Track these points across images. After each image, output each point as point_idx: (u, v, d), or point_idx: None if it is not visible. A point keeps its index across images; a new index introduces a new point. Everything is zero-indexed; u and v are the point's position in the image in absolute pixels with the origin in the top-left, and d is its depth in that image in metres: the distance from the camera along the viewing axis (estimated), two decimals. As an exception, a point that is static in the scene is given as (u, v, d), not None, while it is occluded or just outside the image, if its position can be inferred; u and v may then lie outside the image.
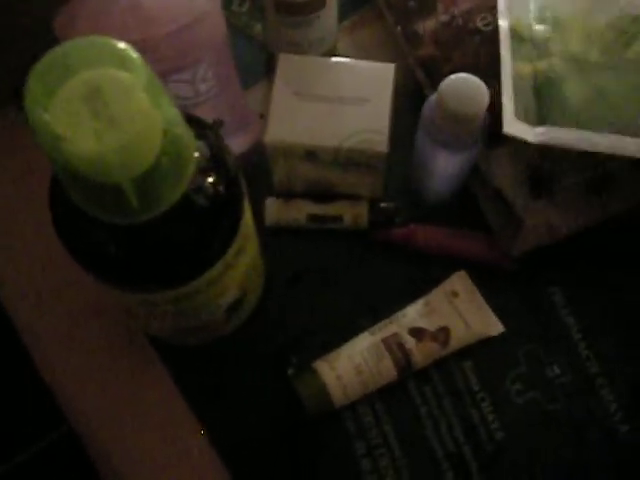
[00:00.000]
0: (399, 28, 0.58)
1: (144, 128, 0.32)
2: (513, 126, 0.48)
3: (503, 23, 0.53)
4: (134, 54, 0.32)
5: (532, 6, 0.56)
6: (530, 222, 0.51)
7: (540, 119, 0.50)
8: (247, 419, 0.51)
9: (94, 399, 0.53)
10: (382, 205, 0.55)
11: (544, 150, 0.51)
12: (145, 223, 0.36)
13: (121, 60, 0.32)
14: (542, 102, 0.50)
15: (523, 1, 0.56)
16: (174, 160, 0.35)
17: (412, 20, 0.57)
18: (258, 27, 0.63)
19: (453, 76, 0.46)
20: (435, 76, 0.55)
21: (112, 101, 0.31)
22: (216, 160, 0.40)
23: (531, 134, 0.48)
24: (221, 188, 0.39)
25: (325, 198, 0.55)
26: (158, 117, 0.33)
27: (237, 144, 0.55)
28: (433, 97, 0.48)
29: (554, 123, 0.50)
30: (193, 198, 0.38)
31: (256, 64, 0.62)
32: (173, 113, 0.35)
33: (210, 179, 0.39)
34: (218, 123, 0.53)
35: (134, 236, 0.37)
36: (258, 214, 0.55)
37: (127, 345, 0.54)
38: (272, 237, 0.56)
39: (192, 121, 0.40)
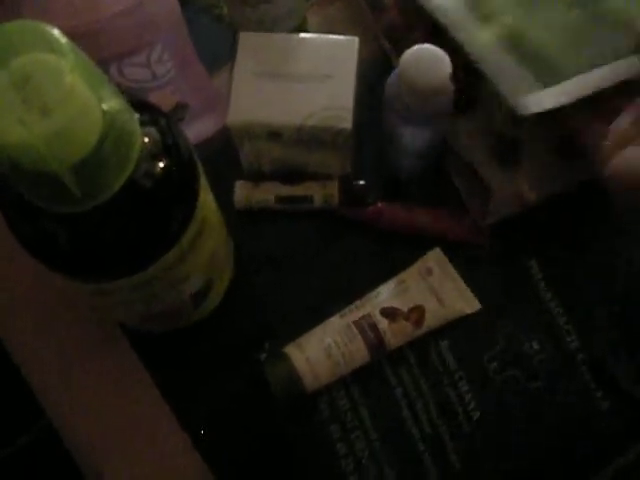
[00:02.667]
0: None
1: (77, 114, 0.31)
2: (525, 106, 0.46)
3: None
4: (63, 39, 0.31)
5: None
6: (499, 190, 0.49)
7: (538, 80, 0.48)
8: (222, 406, 0.51)
9: (67, 391, 0.52)
10: (353, 184, 0.54)
11: (515, 117, 0.49)
12: (91, 210, 0.35)
13: (51, 45, 0.31)
14: (528, 63, 0.48)
15: None
16: (117, 146, 0.34)
17: None
18: (226, 6, 0.61)
19: (414, 47, 0.44)
20: (401, 46, 0.53)
21: (43, 88, 0.30)
22: (167, 145, 0.39)
23: (545, 101, 0.46)
24: (173, 173, 0.38)
25: (295, 179, 0.54)
26: (94, 102, 0.32)
27: (205, 127, 0.54)
28: (396, 71, 0.46)
29: (551, 81, 0.48)
30: (142, 183, 0.37)
31: (225, 45, 0.60)
32: (113, 98, 0.34)
33: (160, 164, 0.38)
34: (182, 106, 0.52)
35: (80, 224, 0.36)
36: (228, 198, 0.54)
37: (99, 333, 0.53)
38: (242, 220, 0.55)
39: (143, 106, 0.39)
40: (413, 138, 0.48)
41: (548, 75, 0.48)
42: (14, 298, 0.55)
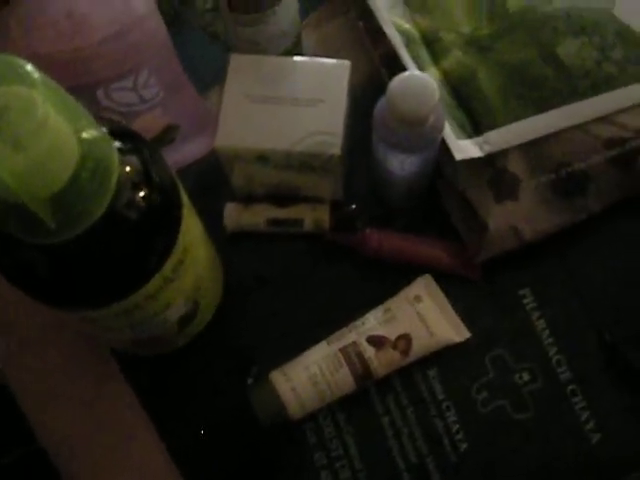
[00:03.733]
0: (361, 24, 0.56)
1: (51, 147, 0.30)
2: (462, 150, 0.47)
3: (387, 29, 0.52)
4: (35, 72, 0.30)
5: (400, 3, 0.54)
6: (494, 226, 0.49)
7: (475, 127, 0.49)
8: (208, 430, 0.50)
9: (55, 411, 0.52)
10: (344, 209, 0.53)
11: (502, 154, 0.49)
12: (69, 241, 0.35)
13: (22, 78, 0.30)
14: (466, 107, 0.50)
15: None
16: (94, 176, 0.34)
17: (374, 16, 0.55)
18: (222, 25, 0.61)
19: (402, 75, 0.44)
20: (397, 73, 0.53)
21: (15, 121, 0.30)
22: (148, 174, 0.38)
23: (477, 149, 0.47)
24: (155, 202, 0.38)
25: (286, 202, 0.53)
26: (70, 134, 0.32)
27: (196, 148, 0.54)
28: (383, 98, 0.46)
29: (490, 126, 0.49)
30: (123, 213, 0.36)
31: (219, 64, 0.60)
32: (90, 128, 0.33)
33: (141, 193, 0.37)
34: (172, 128, 0.52)
35: (59, 254, 0.36)
36: (218, 219, 0.54)
37: (88, 356, 0.53)
38: (232, 243, 0.54)
39: (125, 135, 0.39)
40: (402, 165, 0.47)
41: (485, 121, 0.48)
42: (1, 319, 0.54)
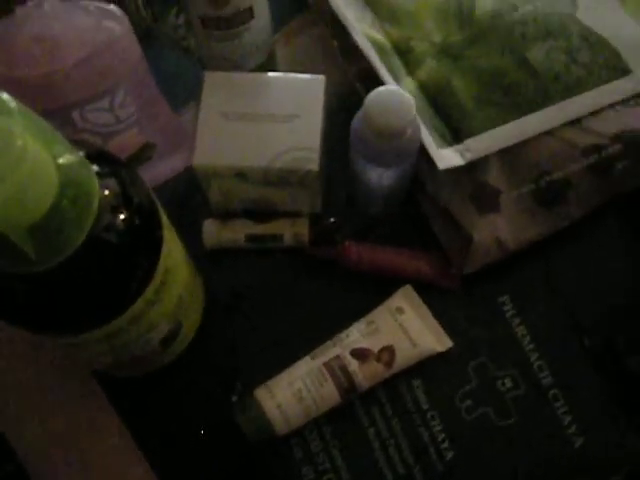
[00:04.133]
0: (336, 43, 0.56)
1: (30, 177, 0.30)
2: (444, 159, 0.48)
3: (361, 41, 0.53)
4: (12, 102, 0.30)
5: (368, 12, 0.54)
6: (478, 238, 0.49)
7: (455, 135, 0.49)
8: (193, 447, 0.50)
9: (34, 434, 0.51)
10: (323, 222, 0.53)
11: (481, 164, 0.49)
12: (51, 268, 0.34)
13: (1, 108, 0.30)
14: (445, 116, 0.50)
15: (359, 8, 0.55)
16: (74, 203, 0.33)
17: (347, 32, 0.55)
18: (195, 40, 0.61)
19: (378, 89, 0.44)
20: (374, 87, 0.53)
21: None
22: (128, 196, 0.38)
23: (458, 157, 0.48)
24: (135, 224, 0.38)
25: (265, 217, 0.53)
26: (49, 162, 0.31)
27: (172, 165, 0.54)
28: (360, 113, 0.46)
29: (469, 133, 0.49)
30: (103, 237, 0.36)
31: (194, 80, 0.60)
32: (68, 153, 0.33)
33: (121, 216, 0.37)
34: (148, 146, 0.51)
35: (39, 283, 0.35)
36: (196, 235, 0.54)
37: (68, 375, 0.52)
38: (212, 260, 0.54)
39: (101, 158, 0.39)
40: (379, 178, 0.47)
41: (464, 128, 0.49)
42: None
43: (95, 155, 0.38)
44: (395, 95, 0.44)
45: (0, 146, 0.29)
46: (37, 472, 0.51)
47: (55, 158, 0.32)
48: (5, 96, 0.30)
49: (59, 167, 0.32)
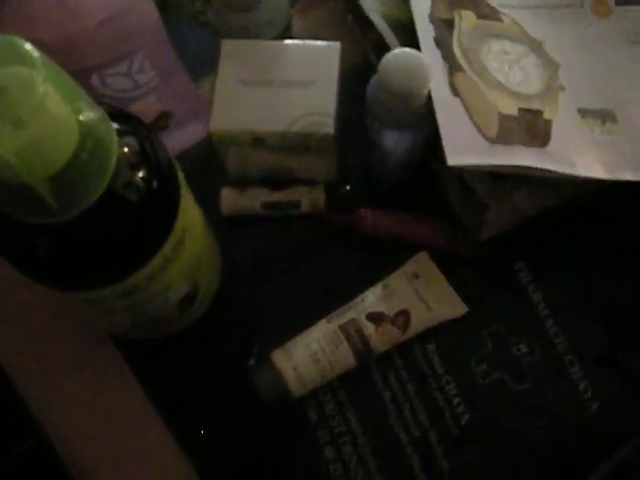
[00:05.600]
0: (350, 17, 0.57)
1: (51, 126, 0.31)
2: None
3: (375, 18, 0.53)
4: (35, 52, 0.31)
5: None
6: (494, 205, 0.49)
7: None
8: (211, 410, 0.51)
9: (57, 399, 0.52)
10: (339, 189, 0.54)
11: None
12: (69, 221, 0.35)
13: (22, 58, 0.31)
14: None
15: None
16: (94, 156, 0.34)
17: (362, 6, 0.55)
18: (211, 13, 0.61)
19: (393, 51, 0.44)
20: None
21: (15, 100, 0.30)
22: (146, 155, 0.39)
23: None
24: (153, 182, 0.39)
25: (281, 184, 0.54)
26: (69, 114, 0.32)
27: (190, 134, 0.54)
28: (375, 76, 0.46)
29: None
30: (121, 193, 0.37)
31: (210, 52, 0.60)
32: (90, 109, 0.34)
33: (140, 174, 0.38)
34: (166, 115, 0.52)
35: (59, 234, 0.36)
36: (215, 204, 0.54)
37: (87, 342, 0.53)
38: (229, 226, 0.55)
39: (122, 117, 0.39)
40: (395, 143, 0.48)
41: None
42: (2, 310, 0.55)
43: (116, 114, 0.38)
44: (412, 56, 0.44)
45: (21, 93, 0.30)
46: (58, 443, 0.52)
47: (76, 110, 0.33)
48: (28, 46, 0.31)
49: (79, 119, 0.33)
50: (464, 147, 0.45)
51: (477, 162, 0.45)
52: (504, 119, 0.47)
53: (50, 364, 0.53)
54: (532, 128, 0.48)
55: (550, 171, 0.46)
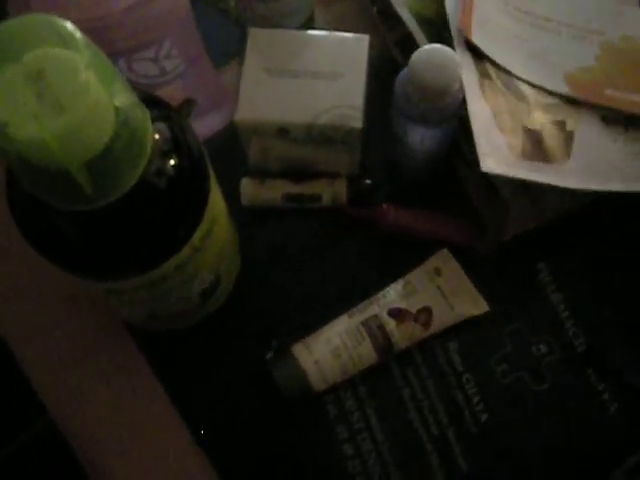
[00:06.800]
0: (375, 9, 0.56)
1: (91, 111, 0.30)
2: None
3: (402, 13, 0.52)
4: (77, 33, 0.30)
5: None
6: (518, 206, 0.49)
7: None
8: (227, 404, 0.50)
9: (68, 388, 0.52)
10: (360, 183, 0.53)
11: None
12: (103, 208, 0.34)
13: (64, 40, 0.30)
14: None
15: None
16: (129, 143, 0.33)
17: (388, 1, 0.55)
18: (232, 0, 0.61)
19: (425, 47, 0.44)
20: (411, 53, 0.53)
21: (56, 83, 0.29)
22: (178, 142, 0.38)
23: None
24: (184, 170, 0.38)
25: (302, 177, 0.53)
26: (108, 99, 0.31)
27: (211, 123, 0.54)
28: (405, 71, 0.46)
29: None
30: (153, 181, 0.36)
31: (232, 41, 0.60)
32: (126, 94, 0.33)
33: (172, 161, 0.37)
34: (189, 102, 0.51)
35: (92, 222, 0.35)
36: (234, 195, 0.54)
37: (103, 332, 0.53)
38: (249, 218, 0.54)
39: (153, 102, 0.39)
40: (421, 139, 0.47)
41: None
42: (14, 294, 0.54)
43: (148, 99, 0.38)
44: (444, 53, 0.43)
45: (65, 77, 0.29)
46: (68, 430, 0.52)
47: (114, 96, 0.32)
48: (70, 27, 0.30)
49: (117, 105, 0.32)
50: (496, 155, 0.45)
51: (507, 173, 0.44)
52: (528, 134, 0.47)
53: (63, 352, 0.53)
54: (555, 142, 0.47)
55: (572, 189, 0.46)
